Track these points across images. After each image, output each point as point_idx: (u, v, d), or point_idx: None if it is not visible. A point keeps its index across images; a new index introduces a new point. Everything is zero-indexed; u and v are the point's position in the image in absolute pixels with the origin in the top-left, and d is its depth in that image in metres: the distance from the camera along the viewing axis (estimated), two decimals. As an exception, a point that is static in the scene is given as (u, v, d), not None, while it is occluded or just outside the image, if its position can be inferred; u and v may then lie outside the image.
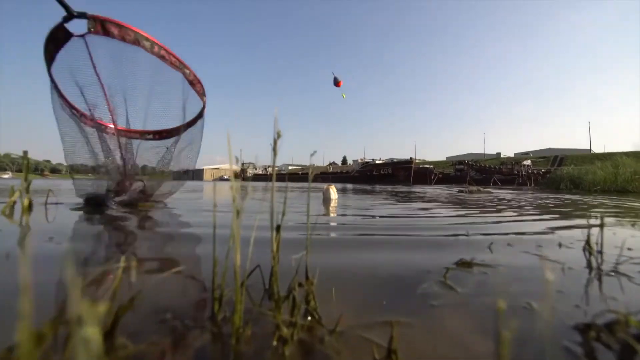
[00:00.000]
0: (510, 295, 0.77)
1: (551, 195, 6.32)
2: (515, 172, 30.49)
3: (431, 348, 0.53)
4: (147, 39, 2.32)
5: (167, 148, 2.52)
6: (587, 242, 1.10)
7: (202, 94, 2.77)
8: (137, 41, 2.27)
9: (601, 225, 1.24)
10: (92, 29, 2.12)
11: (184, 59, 2.47)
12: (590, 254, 1.09)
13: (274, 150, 0.66)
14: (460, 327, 0.61)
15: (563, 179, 12.66)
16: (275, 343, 0.53)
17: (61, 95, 2.31)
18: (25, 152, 2.87)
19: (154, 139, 2.71)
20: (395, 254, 1.18)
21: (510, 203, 3.94)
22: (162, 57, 2.41)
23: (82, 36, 2.17)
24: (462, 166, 35.16)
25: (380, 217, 2.30)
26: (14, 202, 2.59)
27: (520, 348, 0.53)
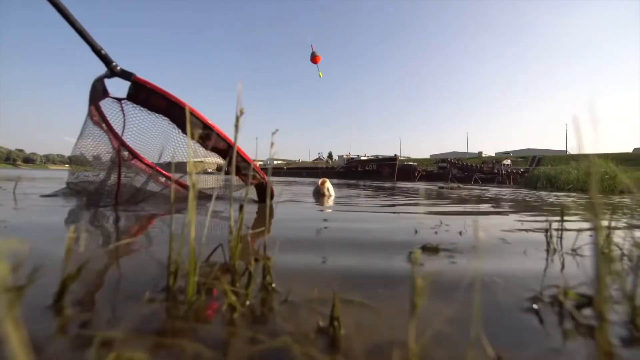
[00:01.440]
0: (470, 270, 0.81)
1: (528, 192, 6.57)
2: (496, 170, 31.38)
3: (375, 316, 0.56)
4: (202, 126, 1.83)
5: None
6: (549, 229, 1.17)
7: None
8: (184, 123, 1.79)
9: (562, 213, 1.32)
10: (133, 98, 1.77)
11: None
12: (550, 237, 1.15)
13: (236, 127, 0.68)
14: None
15: (540, 178, 13.14)
16: (224, 309, 0.54)
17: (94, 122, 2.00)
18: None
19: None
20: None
21: (484, 199, 4.08)
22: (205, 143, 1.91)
23: (118, 100, 1.86)
24: (445, 164, 35.88)
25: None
26: None
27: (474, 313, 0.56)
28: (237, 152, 1.95)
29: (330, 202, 2.90)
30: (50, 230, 1.23)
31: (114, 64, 1.64)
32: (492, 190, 7.56)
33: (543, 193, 6.54)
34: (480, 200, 3.80)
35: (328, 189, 3.46)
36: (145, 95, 1.74)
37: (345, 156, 43.73)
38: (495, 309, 0.60)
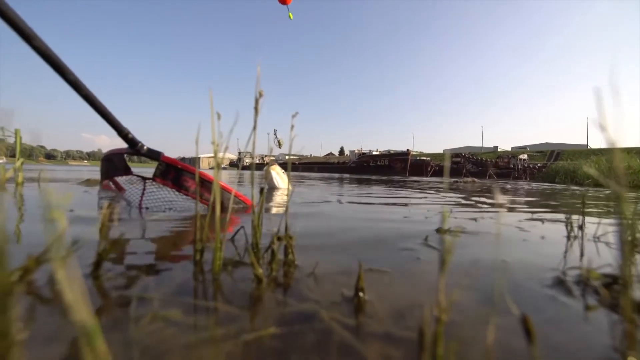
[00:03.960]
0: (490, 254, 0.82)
1: (548, 186, 6.41)
2: (512, 165, 30.60)
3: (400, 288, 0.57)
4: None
5: None
6: (569, 218, 1.15)
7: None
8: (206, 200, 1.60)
9: (583, 202, 1.30)
10: (160, 177, 1.60)
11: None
12: (571, 226, 1.13)
13: (256, 109, 0.69)
14: (429, 272, 0.65)
15: (558, 173, 12.78)
16: (252, 282, 0.57)
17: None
18: (17, 131, 2.90)
19: None
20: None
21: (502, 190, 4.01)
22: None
23: (143, 179, 1.70)
24: (458, 159, 35.22)
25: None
26: (7, 179, 2.66)
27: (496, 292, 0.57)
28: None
29: (280, 196, 2.24)
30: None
31: (140, 144, 1.47)
32: (508, 185, 7.42)
33: (560, 186, 6.37)
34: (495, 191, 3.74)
35: (275, 179, 2.51)
36: (175, 175, 1.59)
37: (356, 151, 43.47)
38: (516, 286, 0.61)
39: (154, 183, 1.63)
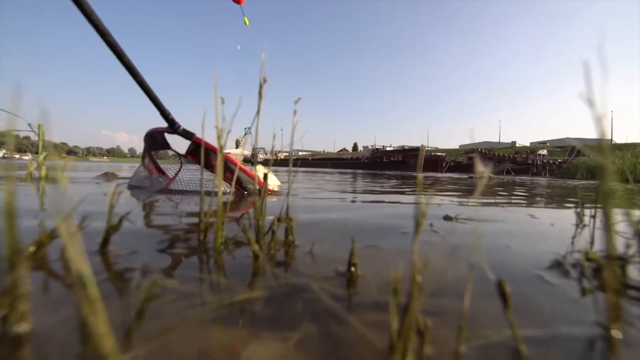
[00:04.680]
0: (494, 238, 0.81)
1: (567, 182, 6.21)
2: (530, 161, 29.70)
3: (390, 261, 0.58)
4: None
5: None
6: (582, 204, 1.13)
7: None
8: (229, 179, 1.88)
9: (597, 193, 1.26)
10: (190, 155, 1.87)
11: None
12: (582, 214, 1.11)
13: (260, 94, 0.71)
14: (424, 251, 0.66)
15: (579, 169, 12.34)
16: (250, 258, 0.59)
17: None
18: (40, 126, 3.03)
19: None
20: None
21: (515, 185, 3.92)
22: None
23: (179, 155, 1.99)
24: (474, 154, 34.44)
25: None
26: (32, 172, 2.80)
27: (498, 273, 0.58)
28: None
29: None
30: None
31: (177, 125, 1.72)
32: (526, 180, 7.23)
33: (578, 182, 6.16)
34: (513, 185, 3.66)
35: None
36: (205, 154, 1.69)
37: (370, 147, 43.19)
38: (508, 265, 0.61)
39: (186, 159, 1.89)
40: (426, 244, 0.77)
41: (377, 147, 42.86)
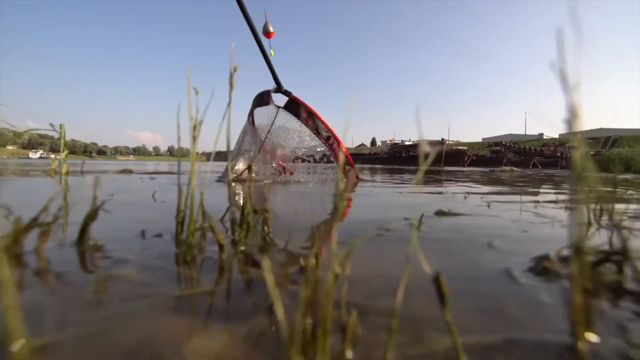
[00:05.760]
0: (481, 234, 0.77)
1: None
2: (559, 154, 28.29)
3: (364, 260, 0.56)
4: (326, 130, 2.68)
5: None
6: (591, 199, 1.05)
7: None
8: (316, 129, 2.65)
9: (614, 184, 1.18)
10: (287, 107, 2.61)
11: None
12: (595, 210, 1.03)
13: (230, 83, 0.70)
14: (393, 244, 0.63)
15: (613, 161, 11.61)
16: (216, 249, 0.58)
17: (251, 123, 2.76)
18: (62, 126, 3.18)
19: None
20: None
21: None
22: (330, 148, 2.73)
23: (277, 107, 2.66)
24: (498, 147, 33.23)
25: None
26: (55, 169, 2.99)
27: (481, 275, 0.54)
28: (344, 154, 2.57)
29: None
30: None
31: (281, 86, 2.62)
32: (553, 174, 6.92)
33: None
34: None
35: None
36: (295, 107, 2.64)
37: (388, 141, 42.59)
38: (487, 267, 0.57)
39: (286, 113, 2.63)
40: (397, 239, 0.73)
41: (395, 141, 42.20)
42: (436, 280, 0.29)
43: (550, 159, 27.08)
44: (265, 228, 0.69)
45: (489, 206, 1.29)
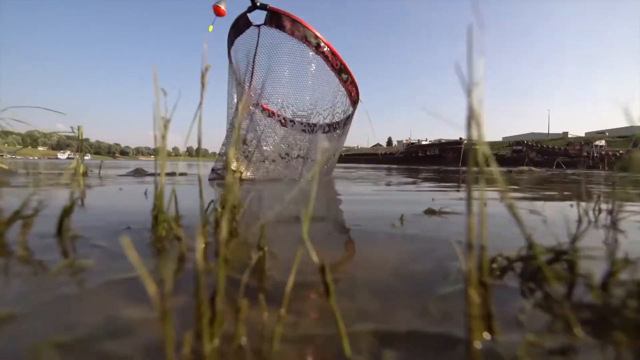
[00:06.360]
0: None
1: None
2: (585, 153, 27.02)
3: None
4: (315, 37, 2.42)
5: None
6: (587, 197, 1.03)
7: (354, 101, 2.77)
8: (304, 37, 2.39)
9: (614, 184, 1.16)
10: (268, 22, 2.35)
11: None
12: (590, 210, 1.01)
13: (202, 83, 0.74)
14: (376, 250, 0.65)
15: (641, 160, 11.01)
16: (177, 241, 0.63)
17: (234, 72, 2.58)
18: (80, 127, 3.35)
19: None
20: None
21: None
22: (325, 58, 2.49)
23: (257, 26, 2.41)
24: (520, 147, 32.13)
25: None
26: (74, 169, 3.14)
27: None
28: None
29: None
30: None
31: (258, 1, 2.31)
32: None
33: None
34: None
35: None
36: (277, 19, 2.35)
37: (404, 141, 42.04)
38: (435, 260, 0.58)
39: (268, 29, 2.36)
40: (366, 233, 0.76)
41: (412, 141, 41.63)
42: (320, 269, 0.31)
43: (576, 159, 25.93)
44: (234, 222, 0.73)
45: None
